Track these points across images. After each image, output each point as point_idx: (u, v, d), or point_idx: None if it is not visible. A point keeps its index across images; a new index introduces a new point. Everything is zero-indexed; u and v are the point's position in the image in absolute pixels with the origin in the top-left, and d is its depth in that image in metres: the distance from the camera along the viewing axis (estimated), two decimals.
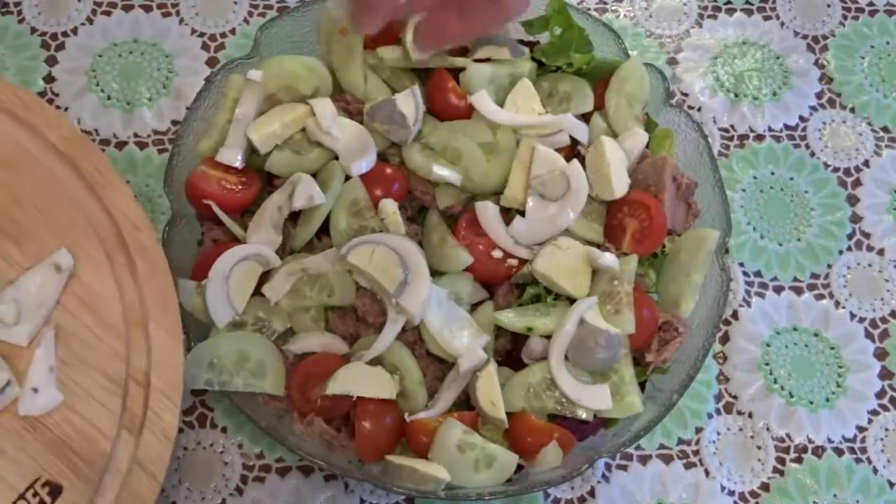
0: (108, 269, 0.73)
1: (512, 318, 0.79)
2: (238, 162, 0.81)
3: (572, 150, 0.86)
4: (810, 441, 0.88)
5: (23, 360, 0.70)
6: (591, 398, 0.77)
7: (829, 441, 0.88)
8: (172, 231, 0.81)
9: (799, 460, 0.87)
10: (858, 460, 0.87)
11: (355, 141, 0.82)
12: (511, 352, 0.81)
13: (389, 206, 0.80)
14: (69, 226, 0.74)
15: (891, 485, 0.87)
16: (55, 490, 0.67)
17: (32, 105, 0.78)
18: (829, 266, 0.95)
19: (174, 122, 0.95)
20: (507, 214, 0.83)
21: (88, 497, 0.67)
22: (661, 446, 0.87)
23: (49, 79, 0.96)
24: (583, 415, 0.77)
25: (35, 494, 0.67)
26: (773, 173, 0.99)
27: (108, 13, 0.99)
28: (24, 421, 0.69)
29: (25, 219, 0.74)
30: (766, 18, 1.06)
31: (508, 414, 0.77)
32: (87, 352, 0.71)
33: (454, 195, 0.83)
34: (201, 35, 0.99)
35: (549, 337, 0.79)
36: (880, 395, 0.90)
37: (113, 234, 0.75)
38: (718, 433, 0.87)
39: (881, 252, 0.96)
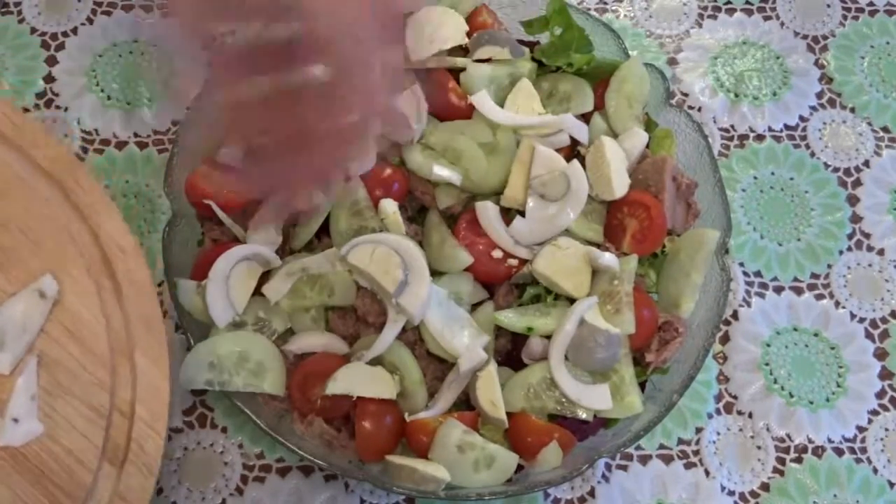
0: (95, 295, 0.72)
1: (512, 318, 0.79)
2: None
3: (572, 151, 0.86)
4: (810, 441, 0.88)
5: (4, 389, 0.69)
6: (591, 398, 0.77)
7: (829, 441, 0.88)
8: (172, 231, 0.81)
9: (799, 460, 0.87)
10: (858, 460, 0.87)
11: None
12: (511, 352, 0.81)
13: (389, 206, 0.80)
14: (55, 250, 0.73)
15: (891, 485, 0.87)
16: None
17: (19, 123, 0.77)
18: (829, 266, 0.95)
19: (174, 123, 0.95)
20: (507, 214, 0.83)
21: None
22: (661, 446, 0.87)
23: (49, 79, 0.96)
24: (583, 415, 0.77)
25: None
26: (773, 173, 0.99)
27: (108, 13, 0.99)
28: (4, 451, 0.68)
29: (11, 243, 0.73)
30: (766, 18, 1.06)
31: (508, 414, 0.77)
32: (70, 381, 0.70)
33: (454, 195, 0.83)
34: None
35: (549, 337, 0.79)
36: (880, 395, 0.90)
37: (99, 258, 0.73)
38: (718, 433, 0.87)
39: (881, 252, 0.96)
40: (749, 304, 0.92)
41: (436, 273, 0.79)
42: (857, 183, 0.99)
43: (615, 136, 0.86)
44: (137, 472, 0.68)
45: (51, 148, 0.76)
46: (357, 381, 0.75)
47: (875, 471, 0.87)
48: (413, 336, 0.79)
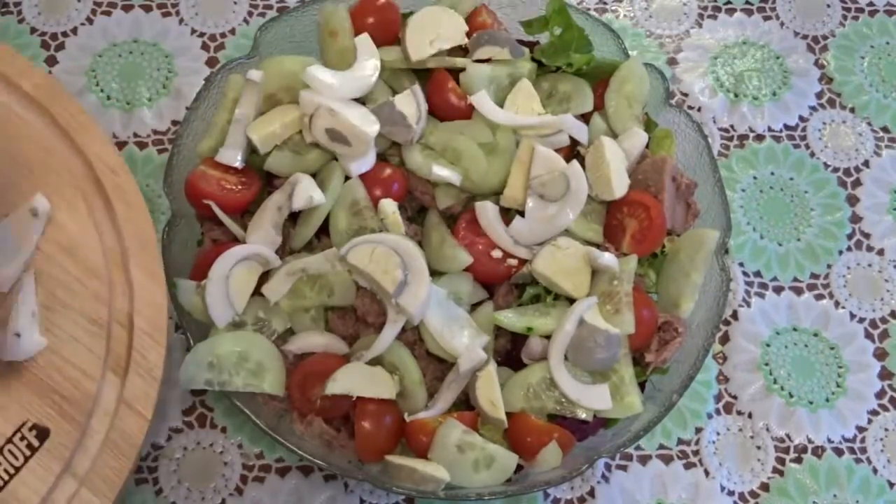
0: (86, 214, 0.73)
1: (512, 318, 0.79)
2: (238, 162, 0.81)
3: (572, 151, 0.86)
4: (810, 441, 0.88)
5: (4, 307, 0.70)
6: (591, 398, 0.77)
7: (829, 441, 0.88)
8: (172, 231, 0.81)
9: (799, 460, 0.87)
10: (858, 460, 0.87)
11: None
12: (511, 352, 0.81)
13: (389, 206, 0.80)
14: (45, 173, 0.74)
15: (890, 485, 0.87)
16: (42, 433, 0.67)
17: (4, 55, 0.77)
18: (829, 266, 0.95)
19: (174, 122, 0.95)
20: (507, 215, 0.83)
21: (76, 438, 0.67)
22: (661, 446, 0.87)
23: None
24: (582, 415, 0.77)
25: (22, 438, 0.67)
26: (772, 173, 0.99)
27: (108, 13, 0.99)
28: (9, 366, 0.69)
29: (1, 168, 0.74)
30: (766, 18, 1.06)
31: (508, 414, 0.77)
32: (68, 296, 0.71)
33: (454, 195, 0.83)
34: (201, 35, 0.99)
35: (548, 337, 0.79)
36: (880, 395, 0.90)
37: (89, 178, 0.75)
38: (718, 433, 0.87)
39: (881, 252, 0.96)
40: (749, 304, 0.92)
41: (435, 273, 0.79)
42: (857, 183, 0.99)
43: (615, 136, 0.86)
44: (140, 380, 0.70)
45: (36, 76, 0.77)
46: (356, 381, 0.76)
47: (875, 471, 0.87)
48: (413, 336, 0.79)
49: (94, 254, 0.72)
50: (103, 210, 0.74)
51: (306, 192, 0.79)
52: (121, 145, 0.94)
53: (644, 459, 0.86)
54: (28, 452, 0.66)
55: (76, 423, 0.68)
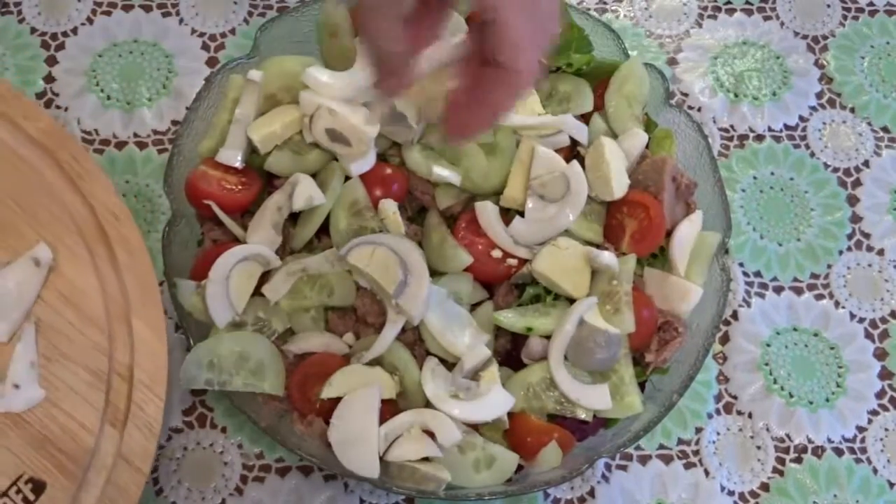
0: (89, 262, 0.73)
1: (511, 319, 0.79)
2: (238, 162, 0.81)
3: (572, 151, 0.86)
4: (810, 441, 0.88)
5: (3, 357, 0.70)
6: (591, 398, 0.77)
7: (829, 441, 0.88)
8: (172, 231, 0.81)
9: (799, 460, 0.87)
10: (858, 460, 0.87)
11: None
12: (511, 352, 0.81)
13: (389, 207, 0.80)
14: (49, 219, 0.74)
15: (891, 485, 0.87)
16: (38, 486, 0.67)
17: (9, 97, 0.77)
18: (829, 266, 0.95)
19: (174, 122, 0.95)
20: (507, 215, 0.83)
21: (72, 493, 0.67)
22: (661, 446, 0.87)
23: (49, 79, 0.96)
24: (582, 415, 0.77)
25: (18, 492, 0.67)
26: (772, 173, 0.99)
27: (108, 13, 0.99)
28: (6, 417, 0.68)
29: (4, 213, 0.74)
30: (766, 18, 1.06)
31: (508, 414, 0.77)
32: (69, 346, 0.71)
33: (454, 195, 0.83)
34: (201, 35, 0.99)
35: (548, 337, 0.79)
36: (880, 395, 0.90)
37: (93, 225, 0.74)
38: (718, 433, 0.87)
39: (881, 252, 0.96)
40: (749, 305, 0.92)
41: (435, 273, 0.79)
42: (857, 183, 0.99)
43: (615, 136, 0.86)
44: (139, 434, 0.69)
45: (42, 121, 0.77)
46: (354, 383, 0.75)
47: (875, 471, 0.87)
48: (413, 336, 0.79)
49: (96, 304, 0.72)
50: (106, 258, 0.73)
51: (306, 192, 0.79)
52: (121, 145, 0.94)
53: (644, 459, 0.86)
54: None
55: (73, 476, 0.67)
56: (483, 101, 0.62)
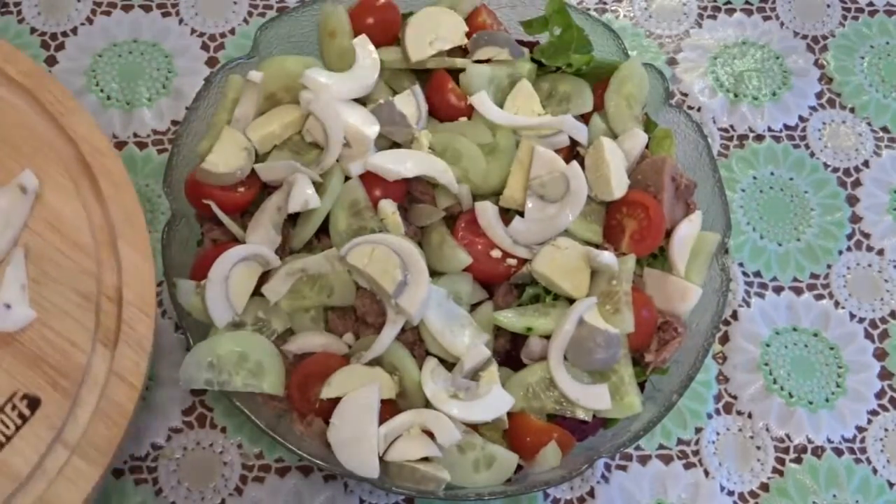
0: (74, 193, 0.75)
1: (511, 319, 0.79)
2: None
3: (572, 151, 0.86)
4: (810, 441, 0.88)
5: None
6: (591, 398, 0.77)
7: (829, 441, 0.88)
8: (172, 231, 0.81)
9: (798, 460, 0.87)
10: (858, 460, 0.87)
11: None
12: (510, 352, 0.81)
13: (389, 207, 0.80)
14: (33, 153, 0.75)
15: (890, 485, 0.87)
16: (33, 402, 0.68)
17: None
18: (829, 266, 0.95)
19: (174, 122, 0.95)
20: (507, 215, 0.83)
21: (67, 408, 0.68)
22: (661, 446, 0.87)
23: None
24: (582, 415, 0.77)
25: (14, 408, 0.68)
26: (772, 173, 0.99)
27: (108, 13, 0.99)
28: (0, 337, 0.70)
29: None
30: (766, 18, 1.06)
31: (508, 414, 0.77)
32: (57, 271, 0.72)
33: (454, 195, 0.83)
34: (201, 35, 0.99)
35: (548, 337, 0.79)
36: (880, 395, 0.90)
37: (76, 159, 0.76)
38: (718, 433, 0.87)
39: (881, 252, 0.96)
40: (749, 305, 0.92)
41: (435, 273, 0.79)
42: (857, 183, 0.99)
43: (615, 136, 0.86)
44: (131, 351, 0.71)
45: (22, 62, 0.79)
46: (353, 384, 0.75)
47: (874, 471, 0.87)
48: (412, 336, 0.79)
49: (82, 230, 0.73)
50: (90, 189, 0.75)
51: (301, 194, 0.78)
52: (121, 145, 0.94)
53: (644, 459, 0.86)
54: (19, 422, 0.67)
55: (67, 393, 0.69)
56: None
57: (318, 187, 0.80)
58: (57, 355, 0.69)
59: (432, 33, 0.85)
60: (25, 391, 0.68)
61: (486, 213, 0.82)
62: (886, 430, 0.89)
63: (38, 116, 0.77)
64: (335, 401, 0.75)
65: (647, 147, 0.87)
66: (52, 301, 0.71)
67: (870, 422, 0.89)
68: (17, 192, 0.73)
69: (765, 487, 0.86)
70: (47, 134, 0.76)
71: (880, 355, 0.92)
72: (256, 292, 0.79)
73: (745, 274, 0.94)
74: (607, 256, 0.79)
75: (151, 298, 0.73)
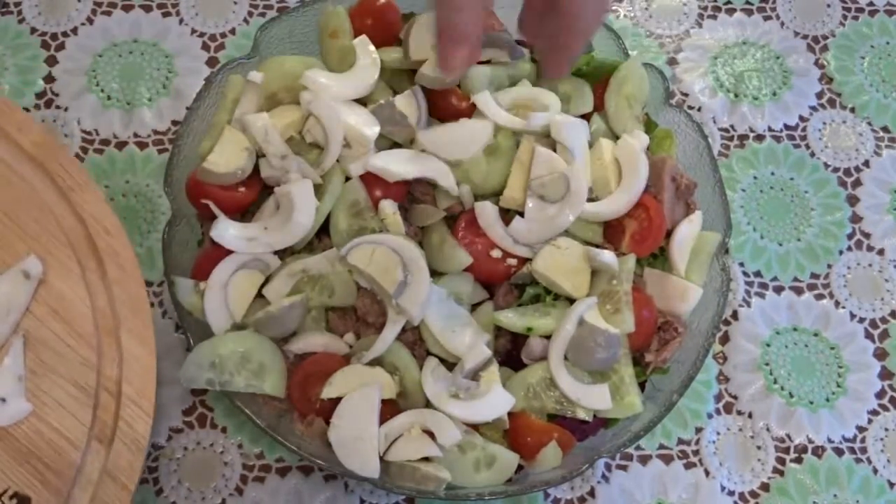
0: (79, 275, 0.73)
1: (512, 319, 0.79)
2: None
3: None
4: (810, 441, 0.88)
5: None
6: (591, 398, 0.77)
7: (829, 441, 0.88)
8: (172, 231, 0.81)
9: (799, 460, 0.87)
10: (858, 460, 0.87)
11: None
12: (511, 352, 0.81)
13: (389, 207, 0.80)
14: (39, 232, 0.73)
15: (891, 485, 0.87)
16: (23, 502, 0.66)
17: (4, 109, 0.77)
18: (829, 266, 0.95)
19: (174, 122, 0.95)
20: (507, 215, 0.82)
21: None
22: (661, 446, 0.87)
23: (49, 79, 0.96)
24: (582, 415, 0.77)
25: None
26: (773, 173, 0.99)
27: (108, 13, 0.99)
28: None
29: None
30: (766, 18, 1.06)
31: (508, 414, 0.77)
32: (57, 360, 0.70)
33: (454, 195, 0.83)
34: (201, 35, 0.99)
35: (548, 337, 0.79)
36: (880, 395, 0.90)
37: (84, 239, 0.74)
38: (718, 433, 0.88)
39: (881, 252, 0.96)
40: (749, 304, 0.92)
41: (435, 273, 0.79)
42: (857, 183, 0.99)
43: (615, 136, 0.86)
44: (126, 450, 0.69)
45: (35, 133, 0.77)
46: (354, 384, 0.75)
47: (875, 471, 0.87)
48: (413, 336, 0.79)
49: (85, 318, 0.71)
50: (96, 271, 0.73)
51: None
52: (121, 145, 0.94)
53: (644, 459, 0.86)
54: None
55: (58, 492, 0.67)
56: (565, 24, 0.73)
57: (319, 188, 0.80)
58: (50, 451, 0.67)
59: (434, 35, 0.85)
60: (16, 489, 0.66)
61: (487, 213, 0.81)
62: (887, 429, 0.89)
63: (47, 190, 0.75)
64: (336, 401, 0.75)
65: (647, 147, 0.87)
66: (50, 393, 0.69)
67: (870, 421, 0.89)
68: (20, 277, 0.71)
69: (765, 487, 0.86)
70: (56, 210, 0.74)
71: (881, 355, 0.92)
72: (257, 293, 0.79)
73: (745, 274, 0.94)
74: (608, 256, 0.79)
75: (151, 395, 0.70)
